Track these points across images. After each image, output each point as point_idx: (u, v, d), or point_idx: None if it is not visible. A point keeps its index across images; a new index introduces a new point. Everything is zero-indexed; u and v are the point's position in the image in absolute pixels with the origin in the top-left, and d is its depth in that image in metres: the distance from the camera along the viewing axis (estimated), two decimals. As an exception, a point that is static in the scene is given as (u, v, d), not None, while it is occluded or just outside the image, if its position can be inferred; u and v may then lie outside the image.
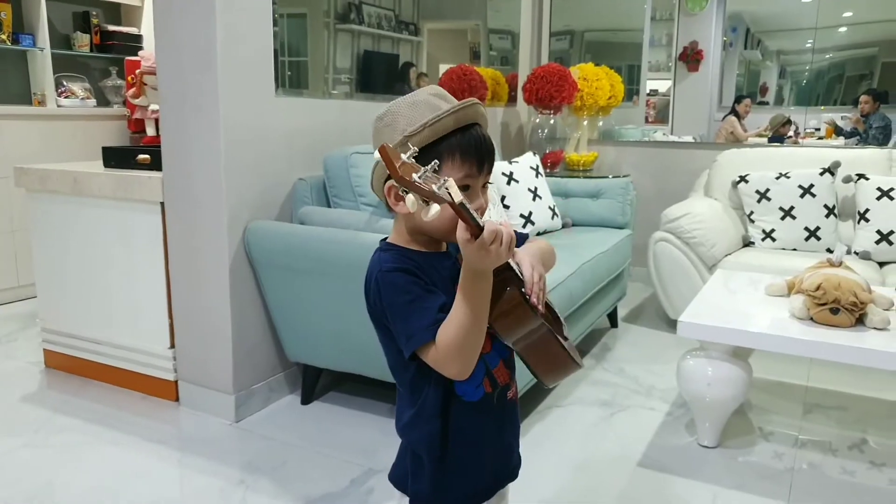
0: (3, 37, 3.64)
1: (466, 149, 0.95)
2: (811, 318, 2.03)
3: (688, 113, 4.56)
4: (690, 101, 4.57)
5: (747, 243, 3.32)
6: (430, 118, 0.93)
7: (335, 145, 2.53)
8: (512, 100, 4.20)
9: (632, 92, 4.51)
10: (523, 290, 0.95)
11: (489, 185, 1.01)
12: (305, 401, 2.43)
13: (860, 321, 2.00)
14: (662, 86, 4.65)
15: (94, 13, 4.09)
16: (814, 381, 2.70)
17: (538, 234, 3.06)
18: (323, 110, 2.63)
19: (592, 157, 4.00)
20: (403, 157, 0.80)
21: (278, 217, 2.40)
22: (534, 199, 3.06)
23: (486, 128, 1.00)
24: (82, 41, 4.03)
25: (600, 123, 4.20)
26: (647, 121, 4.60)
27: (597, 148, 4.14)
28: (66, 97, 3.84)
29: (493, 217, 2.67)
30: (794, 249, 3.21)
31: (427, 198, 0.78)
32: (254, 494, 1.88)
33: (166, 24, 2.18)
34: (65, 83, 3.89)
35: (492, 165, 0.99)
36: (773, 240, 3.25)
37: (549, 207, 3.13)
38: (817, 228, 3.19)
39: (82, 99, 3.91)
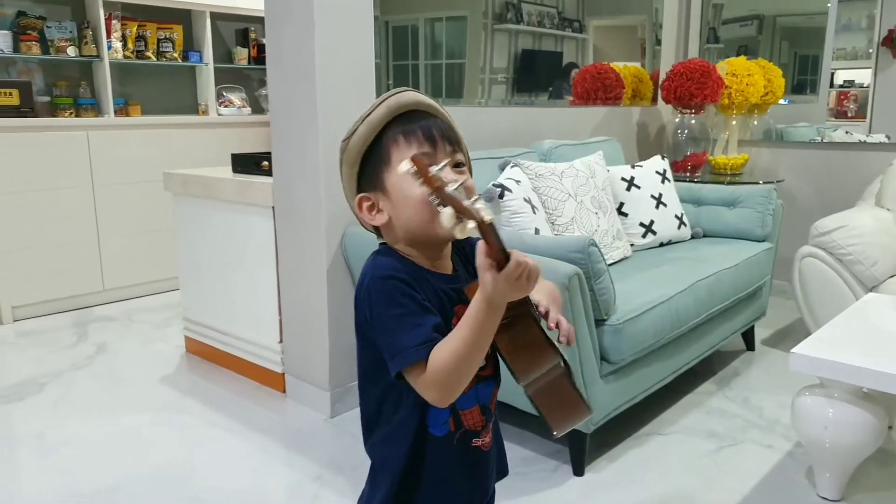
0: (175, 55, 4.10)
1: (407, 130, 0.90)
2: (967, 360, 1.68)
3: (892, 106, 3.95)
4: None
5: (924, 262, 2.83)
6: (363, 114, 0.91)
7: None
8: (656, 99, 3.95)
9: (807, 84, 4.01)
10: (542, 324, 0.88)
11: (462, 165, 0.93)
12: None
13: None
14: (860, 76, 4.07)
15: (253, 28, 4.48)
16: None
17: (661, 244, 2.85)
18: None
19: (742, 159, 3.63)
20: (434, 169, 0.75)
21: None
22: (657, 207, 2.84)
23: (438, 113, 0.94)
24: (241, 55, 4.43)
25: (754, 123, 3.80)
26: (847, 116, 4.05)
27: (749, 150, 3.75)
28: (225, 106, 4.24)
29: (601, 223, 2.52)
30: None
31: (462, 213, 0.72)
32: (327, 491, 1.94)
33: (275, 37, 2.32)
34: (224, 94, 4.30)
35: (453, 143, 0.92)
36: (958, 259, 2.74)
37: (676, 216, 2.89)
38: None
39: (239, 108, 4.29)
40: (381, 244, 0.97)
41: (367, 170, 0.93)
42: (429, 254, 0.93)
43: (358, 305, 0.91)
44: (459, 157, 0.93)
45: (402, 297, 0.86)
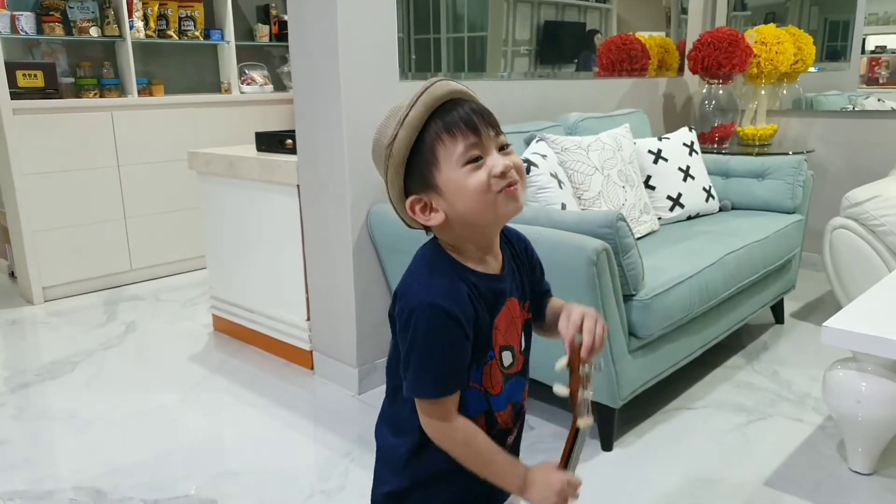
0: (197, 33, 4.09)
1: (449, 124, 0.86)
2: None
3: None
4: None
5: (960, 233, 2.76)
6: (400, 116, 0.87)
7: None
8: (682, 69, 3.87)
9: (837, 50, 3.89)
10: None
11: (507, 146, 0.90)
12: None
13: None
14: (892, 41, 3.94)
15: (274, 5, 4.45)
16: None
17: (688, 217, 2.81)
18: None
19: (770, 130, 3.56)
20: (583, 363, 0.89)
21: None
22: (685, 180, 2.80)
23: (470, 98, 0.91)
24: (262, 32, 4.41)
25: (783, 92, 3.71)
26: (879, 83, 3.94)
27: (778, 120, 3.67)
28: (247, 84, 4.23)
29: (628, 197, 2.49)
30: None
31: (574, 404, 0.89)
32: (356, 467, 1.97)
33: (297, 13, 2.30)
34: (246, 71, 4.29)
35: (494, 126, 0.89)
36: None
37: (704, 189, 2.85)
38: None
39: (261, 85, 4.28)
40: (427, 244, 0.96)
41: (413, 171, 0.89)
42: (482, 244, 0.92)
43: (397, 308, 0.90)
44: (503, 139, 0.90)
45: (442, 330, 0.85)
